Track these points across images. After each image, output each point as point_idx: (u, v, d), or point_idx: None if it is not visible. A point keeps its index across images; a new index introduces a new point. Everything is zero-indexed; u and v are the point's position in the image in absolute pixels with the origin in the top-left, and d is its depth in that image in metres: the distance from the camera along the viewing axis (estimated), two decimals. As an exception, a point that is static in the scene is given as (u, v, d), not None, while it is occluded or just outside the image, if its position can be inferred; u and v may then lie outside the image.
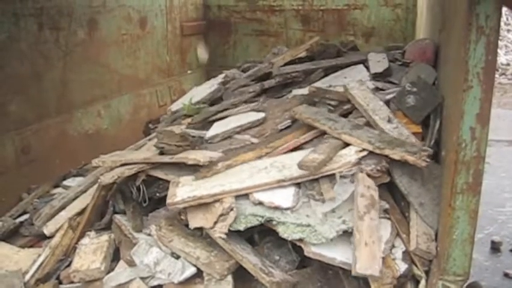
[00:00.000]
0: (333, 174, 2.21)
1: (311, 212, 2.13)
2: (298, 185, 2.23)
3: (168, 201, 2.28)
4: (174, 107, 3.70)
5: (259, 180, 2.24)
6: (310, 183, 2.21)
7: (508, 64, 9.21)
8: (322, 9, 5.12)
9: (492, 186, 4.25)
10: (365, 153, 2.26)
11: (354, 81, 3.00)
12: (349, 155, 2.26)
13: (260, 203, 2.16)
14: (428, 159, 2.17)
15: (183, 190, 2.31)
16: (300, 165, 2.18)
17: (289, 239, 2.09)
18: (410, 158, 2.16)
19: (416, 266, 2.07)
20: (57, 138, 3.55)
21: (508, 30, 10.06)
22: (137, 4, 4.36)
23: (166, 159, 2.47)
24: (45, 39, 3.42)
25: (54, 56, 3.52)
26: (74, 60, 3.67)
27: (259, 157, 2.44)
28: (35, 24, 3.33)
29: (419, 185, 2.26)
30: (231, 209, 2.13)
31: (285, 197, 2.17)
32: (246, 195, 2.21)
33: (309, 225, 2.05)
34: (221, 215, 2.11)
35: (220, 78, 3.96)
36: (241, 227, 2.13)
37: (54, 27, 3.49)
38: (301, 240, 2.07)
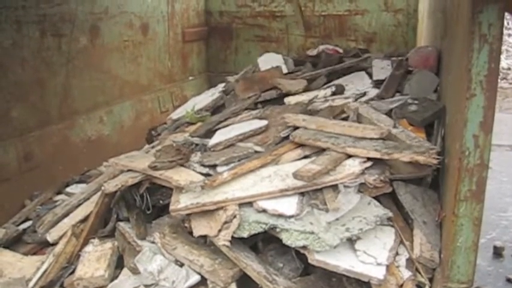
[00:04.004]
0: (337, 185, 2.21)
1: (314, 219, 2.13)
2: (302, 193, 2.23)
3: (171, 207, 2.29)
4: (175, 115, 3.70)
5: (262, 188, 2.24)
6: (314, 192, 2.21)
7: (509, 68, 9.22)
8: (323, 14, 5.13)
9: (494, 191, 4.24)
10: (369, 164, 2.27)
11: (354, 94, 3.05)
12: (353, 165, 2.27)
13: (264, 211, 2.16)
14: (438, 157, 2.18)
15: (187, 197, 2.31)
16: (295, 175, 2.19)
17: (293, 246, 2.09)
18: (421, 158, 2.18)
19: (420, 273, 2.07)
20: (60, 144, 3.56)
21: (509, 35, 10.08)
22: (139, 10, 4.37)
23: (157, 174, 2.49)
24: (47, 46, 3.43)
25: (57, 62, 3.53)
26: (76, 66, 3.69)
27: (265, 165, 2.44)
28: (38, 31, 3.34)
29: (421, 205, 2.29)
30: (234, 217, 2.13)
31: (288, 204, 2.17)
32: (250, 203, 2.22)
33: (312, 233, 2.06)
34: (225, 222, 2.12)
35: (220, 87, 3.97)
36: (245, 234, 2.13)
37: (57, 34, 3.51)
38: (304, 247, 2.07)
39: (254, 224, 2.13)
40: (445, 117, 2.58)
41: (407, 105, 2.73)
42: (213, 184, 2.29)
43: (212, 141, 2.73)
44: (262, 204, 2.18)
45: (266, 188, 2.24)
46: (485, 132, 1.81)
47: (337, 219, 2.13)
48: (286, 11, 5.26)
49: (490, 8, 1.71)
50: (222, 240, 2.08)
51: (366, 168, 2.24)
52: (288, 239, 2.09)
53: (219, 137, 2.77)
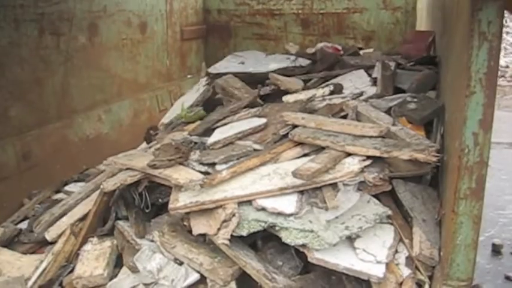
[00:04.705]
0: (336, 183, 2.21)
1: (314, 217, 2.13)
2: (301, 191, 2.23)
3: (170, 206, 2.28)
4: (166, 119, 3.68)
5: (261, 187, 2.24)
6: (313, 190, 2.21)
7: (507, 66, 9.24)
8: (321, 12, 5.13)
9: (493, 189, 4.24)
10: (368, 162, 2.26)
11: (352, 93, 3.06)
12: (353, 164, 2.26)
13: (263, 209, 2.16)
14: (437, 155, 2.18)
15: (186, 195, 2.30)
16: (294, 174, 2.18)
17: (292, 244, 2.08)
18: (420, 156, 2.17)
19: (419, 271, 2.07)
20: (58, 143, 3.55)
21: (507, 33, 10.08)
22: (137, 9, 4.37)
23: (156, 173, 2.48)
24: (45, 45, 3.43)
25: (55, 61, 3.52)
26: (74, 65, 3.68)
27: (264, 163, 2.43)
28: (36, 29, 3.34)
29: (421, 203, 2.29)
30: (233, 215, 2.13)
31: (288, 203, 2.17)
32: (249, 201, 2.21)
33: (312, 231, 2.05)
34: (224, 221, 2.11)
35: (203, 81, 3.96)
36: (244, 233, 2.12)
37: (55, 33, 3.50)
38: (304, 245, 2.06)
39: (253, 222, 2.13)
40: (444, 115, 2.58)
41: (406, 103, 2.73)
42: (212, 183, 2.28)
43: (211, 140, 2.72)
44: (262, 202, 2.17)
45: (265, 187, 2.23)
46: (484, 130, 1.80)
47: (336, 217, 2.13)
48: (284, 8, 5.25)
49: (489, 5, 1.71)
50: (221, 239, 2.08)
51: (365, 167, 2.24)
52: (287, 238, 2.08)
53: (218, 135, 2.76)
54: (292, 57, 4.06)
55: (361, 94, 3.17)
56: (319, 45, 4.37)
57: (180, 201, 2.27)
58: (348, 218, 2.14)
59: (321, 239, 2.03)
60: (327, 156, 2.31)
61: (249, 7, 5.37)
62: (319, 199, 2.15)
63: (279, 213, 2.13)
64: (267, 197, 2.20)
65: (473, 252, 1.91)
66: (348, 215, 2.15)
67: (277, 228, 2.11)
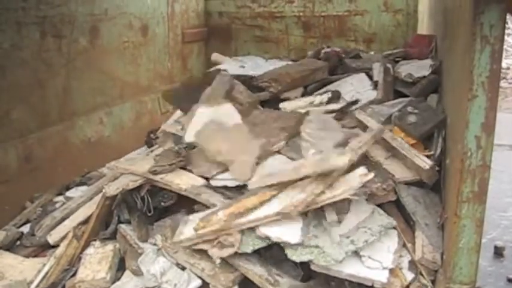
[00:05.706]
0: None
1: (319, 232, 2.09)
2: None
3: (175, 239, 2.26)
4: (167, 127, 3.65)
5: (263, 212, 2.15)
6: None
7: (508, 68, 9.22)
8: (323, 15, 5.12)
9: (494, 191, 4.21)
10: (370, 176, 2.13)
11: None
12: (353, 177, 2.14)
13: (267, 238, 2.09)
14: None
15: (189, 228, 2.26)
16: (282, 215, 2.09)
17: (298, 261, 2.04)
18: None
19: (422, 275, 2.07)
20: (60, 146, 3.54)
21: (508, 34, 10.08)
22: (139, 11, 4.36)
23: (157, 178, 2.48)
24: (47, 47, 3.42)
25: (57, 63, 3.51)
26: (76, 67, 3.67)
27: (263, 203, 2.23)
28: (38, 32, 3.33)
29: (423, 207, 2.27)
30: (232, 246, 2.10)
31: (292, 231, 2.09)
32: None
33: (317, 247, 2.02)
34: (219, 242, 2.10)
35: None
36: (249, 250, 2.09)
37: (57, 35, 3.49)
38: (309, 260, 2.03)
39: (257, 239, 2.10)
40: (446, 128, 2.56)
41: (407, 114, 2.66)
42: (207, 226, 2.18)
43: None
44: (265, 231, 2.10)
45: (267, 211, 2.15)
46: (487, 133, 1.81)
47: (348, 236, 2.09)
48: (285, 11, 5.25)
49: (491, 8, 1.71)
50: (214, 256, 2.08)
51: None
52: (292, 255, 2.04)
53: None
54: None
55: (356, 102, 3.15)
56: (323, 51, 4.36)
57: (184, 233, 2.25)
58: (353, 231, 2.11)
59: (327, 255, 2.00)
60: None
61: (250, 10, 5.36)
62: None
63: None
64: (270, 222, 2.12)
65: (476, 255, 1.91)
66: (353, 228, 2.12)
67: (282, 244, 2.07)
